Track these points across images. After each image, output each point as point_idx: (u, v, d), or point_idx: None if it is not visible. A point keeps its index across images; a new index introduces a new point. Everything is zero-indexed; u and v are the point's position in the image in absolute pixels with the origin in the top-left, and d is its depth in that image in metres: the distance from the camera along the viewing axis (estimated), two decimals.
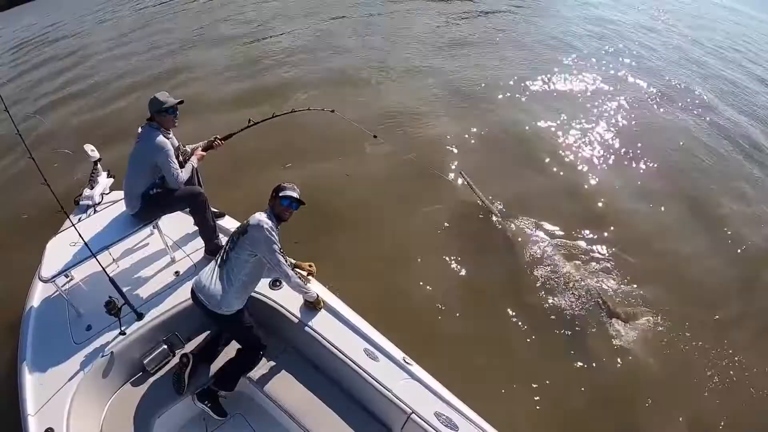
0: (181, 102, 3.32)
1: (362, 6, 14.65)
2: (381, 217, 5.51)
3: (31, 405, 2.72)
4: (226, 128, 3.84)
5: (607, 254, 4.99)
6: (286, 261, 2.94)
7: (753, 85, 10.35)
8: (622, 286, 4.63)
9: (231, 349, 3.17)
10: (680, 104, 8.59)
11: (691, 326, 4.27)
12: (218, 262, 2.91)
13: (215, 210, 3.83)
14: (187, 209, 3.59)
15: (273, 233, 2.81)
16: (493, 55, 10.24)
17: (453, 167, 6.21)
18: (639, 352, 4.03)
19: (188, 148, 3.61)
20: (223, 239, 3.60)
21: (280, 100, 8.20)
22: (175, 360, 3.18)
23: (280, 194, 2.89)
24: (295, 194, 2.91)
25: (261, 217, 2.84)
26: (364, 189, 5.85)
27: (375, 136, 4.39)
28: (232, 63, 10.97)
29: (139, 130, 3.30)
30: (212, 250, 3.63)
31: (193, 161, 3.50)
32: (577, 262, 4.88)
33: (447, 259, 4.92)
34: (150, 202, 3.38)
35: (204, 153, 3.62)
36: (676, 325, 4.27)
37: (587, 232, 5.27)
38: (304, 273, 3.32)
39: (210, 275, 2.86)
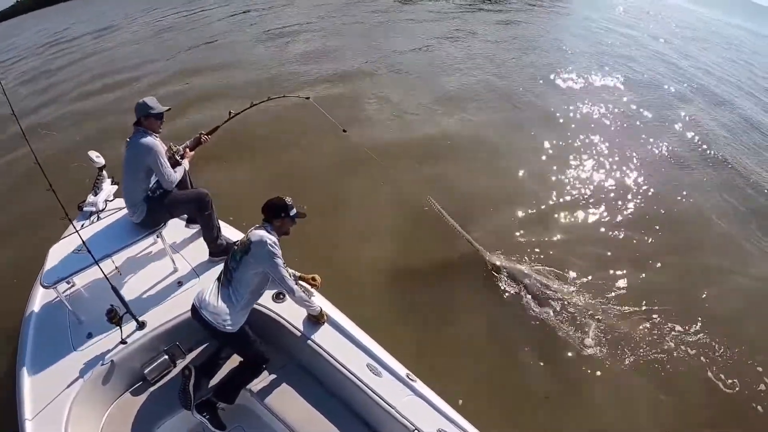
0: (168, 109, 3.39)
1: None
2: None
3: (29, 409, 2.69)
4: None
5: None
6: (290, 275, 2.94)
7: None
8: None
9: (233, 361, 3.14)
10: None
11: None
12: (221, 281, 2.91)
13: None
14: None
15: (276, 248, 2.83)
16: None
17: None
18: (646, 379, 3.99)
19: (179, 146, 3.63)
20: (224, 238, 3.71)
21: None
22: (176, 370, 3.15)
23: (291, 214, 2.96)
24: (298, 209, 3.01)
25: (262, 233, 2.86)
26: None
27: (344, 131, 4.44)
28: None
29: (128, 139, 3.33)
30: (216, 252, 3.67)
31: (185, 164, 3.52)
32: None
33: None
34: (154, 206, 3.37)
35: (192, 152, 3.65)
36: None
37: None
38: (308, 286, 3.31)
39: (214, 294, 2.85)
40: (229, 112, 3.96)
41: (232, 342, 2.99)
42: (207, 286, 2.95)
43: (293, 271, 3.27)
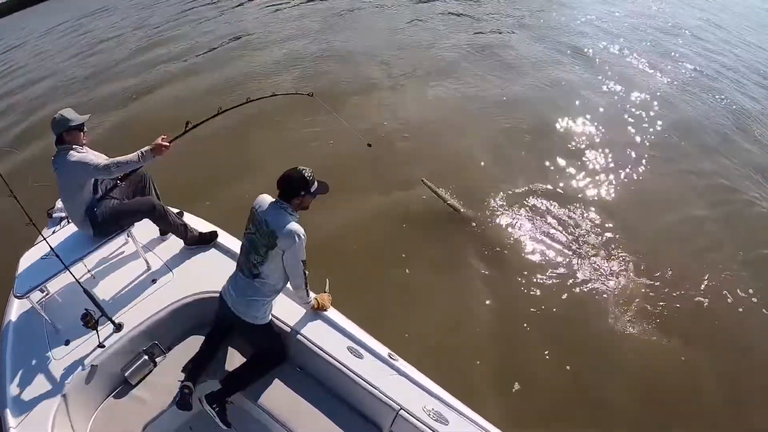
0: (88, 117, 3.27)
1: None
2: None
3: (12, 419, 2.67)
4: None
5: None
6: (306, 273, 2.79)
7: None
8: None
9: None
10: None
11: None
12: (246, 274, 2.76)
13: (174, 210, 3.79)
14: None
15: (304, 243, 2.64)
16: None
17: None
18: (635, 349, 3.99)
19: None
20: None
21: None
22: (157, 370, 3.12)
23: (312, 190, 2.71)
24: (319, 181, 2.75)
25: (293, 226, 2.60)
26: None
27: (369, 145, 3.97)
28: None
29: (52, 159, 3.21)
30: (193, 241, 3.63)
31: (144, 149, 3.12)
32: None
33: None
34: (97, 221, 3.28)
35: (168, 144, 3.16)
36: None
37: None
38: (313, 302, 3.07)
39: (242, 288, 2.78)
40: (186, 124, 3.36)
41: (260, 334, 2.91)
42: (231, 278, 2.89)
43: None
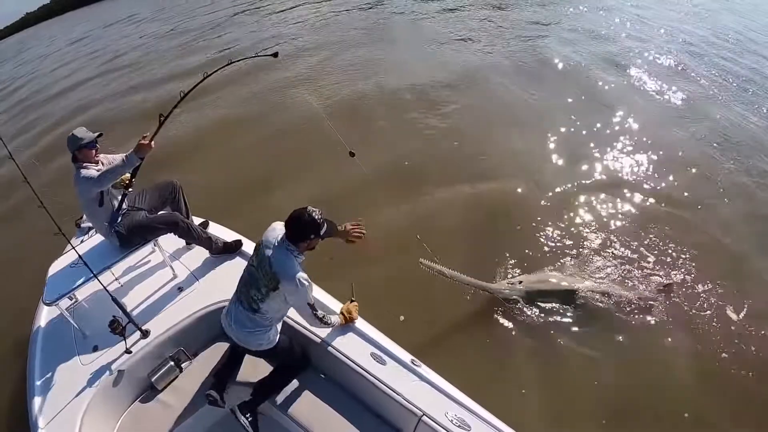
0: (100, 135, 3.32)
1: None
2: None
3: (41, 421, 2.75)
4: None
5: None
6: (316, 312, 2.73)
7: None
8: None
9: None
10: None
11: None
12: (245, 306, 2.70)
13: (199, 220, 3.93)
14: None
15: (308, 287, 2.59)
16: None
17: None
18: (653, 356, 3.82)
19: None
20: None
21: None
22: (183, 375, 3.17)
23: (322, 233, 2.62)
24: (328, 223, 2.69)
25: (297, 273, 2.53)
26: None
27: (352, 154, 3.49)
28: None
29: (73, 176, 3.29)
30: (217, 252, 3.71)
31: (128, 152, 3.16)
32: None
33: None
34: (123, 235, 3.38)
35: (148, 142, 3.15)
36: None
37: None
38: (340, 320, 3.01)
39: (241, 320, 2.74)
40: (180, 93, 3.32)
41: (272, 355, 2.92)
42: (230, 306, 2.85)
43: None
